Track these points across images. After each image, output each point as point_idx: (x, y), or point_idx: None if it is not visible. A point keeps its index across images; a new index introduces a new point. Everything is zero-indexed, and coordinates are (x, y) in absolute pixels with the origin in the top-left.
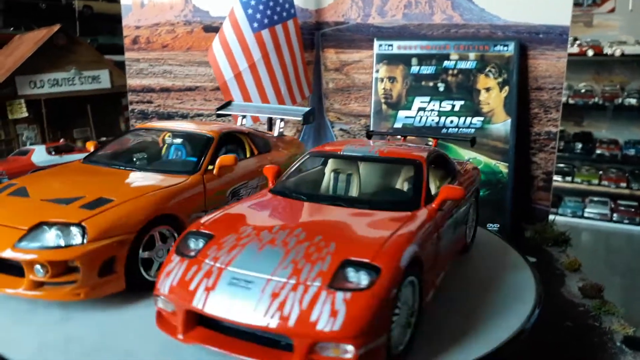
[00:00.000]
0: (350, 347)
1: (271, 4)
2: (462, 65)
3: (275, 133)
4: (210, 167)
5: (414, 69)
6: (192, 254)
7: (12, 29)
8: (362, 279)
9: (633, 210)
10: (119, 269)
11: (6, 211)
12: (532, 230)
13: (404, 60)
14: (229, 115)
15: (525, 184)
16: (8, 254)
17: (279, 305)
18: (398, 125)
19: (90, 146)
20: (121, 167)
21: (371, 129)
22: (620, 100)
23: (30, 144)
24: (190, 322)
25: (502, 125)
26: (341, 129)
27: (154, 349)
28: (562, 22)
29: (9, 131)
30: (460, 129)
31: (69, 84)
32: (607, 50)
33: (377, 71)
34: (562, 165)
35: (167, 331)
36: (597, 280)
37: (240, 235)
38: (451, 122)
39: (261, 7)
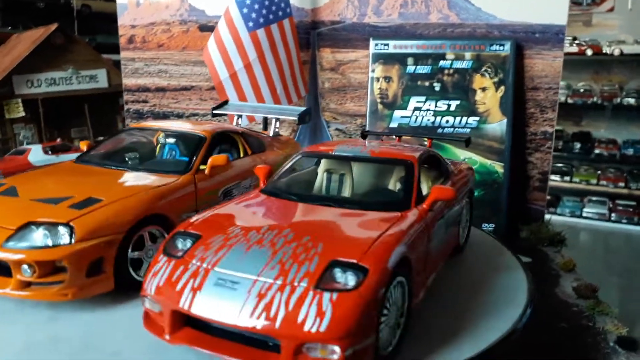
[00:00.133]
0: (336, 348)
1: (267, 3)
2: (458, 64)
3: (271, 133)
4: (202, 167)
5: (410, 68)
6: (179, 254)
7: (10, 27)
8: (349, 279)
9: (631, 210)
10: (108, 269)
11: None
12: (527, 231)
13: (399, 59)
14: (225, 114)
15: (521, 184)
16: None
17: (265, 306)
18: (394, 125)
19: (84, 146)
20: (112, 167)
21: (367, 128)
22: (619, 99)
23: (27, 144)
24: (177, 323)
25: (497, 125)
26: (337, 129)
27: (141, 349)
28: (559, 21)
29: (6, 131)
30: (456, 129)
31: (67, 83)
32: (606, 50)
33: (373, 71)
34: (560, 165)
35: (154, 332)
36: (594, 280)
37: (228, 236)
38: (447, 122)
39: (256, 6)
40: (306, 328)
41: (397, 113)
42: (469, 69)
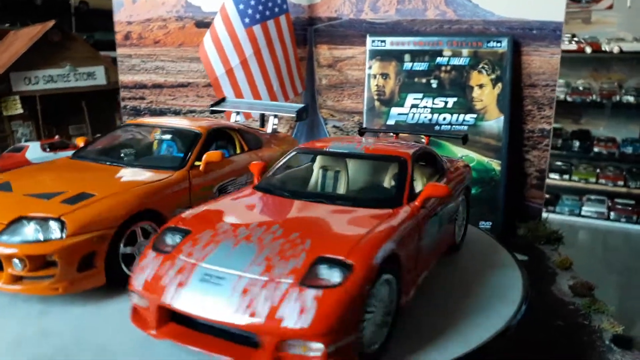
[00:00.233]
0: (318, 345)
1: None
2: (455, 61)
3: (269, 130)
4: (197, 163)
5: (407, 65)
6: (168, 249)
7: (7, 24)
8: (334, 275)
9: (630, 208)
10: (99, 264)
11: None
12: (524, 228)
13: (396, 56)
14: (223, 111)
15: (518, 182)
16: None
17: (249, 302)
18: (391, 122)
19: (80, 142)
20: (107, 163)
21: (364, 126)
22: (618, 97)
23: (25, 141)
24: (163, 318)
25: (494, 122)
26: (334, 126)
27: (129, 344)
28: (556, 18)
29: (4, 128)
30: (453, 126)
31: (64, 80)
32: (605, 47)
33: (370, 67)
34: (559, 163)
35: (141, 327)
36: (592, 278)
37: (217, 232)
38: (444, 119)
39: (253, 2)
40: (288, 324)
41: (394, 110)
42: (466, 65)
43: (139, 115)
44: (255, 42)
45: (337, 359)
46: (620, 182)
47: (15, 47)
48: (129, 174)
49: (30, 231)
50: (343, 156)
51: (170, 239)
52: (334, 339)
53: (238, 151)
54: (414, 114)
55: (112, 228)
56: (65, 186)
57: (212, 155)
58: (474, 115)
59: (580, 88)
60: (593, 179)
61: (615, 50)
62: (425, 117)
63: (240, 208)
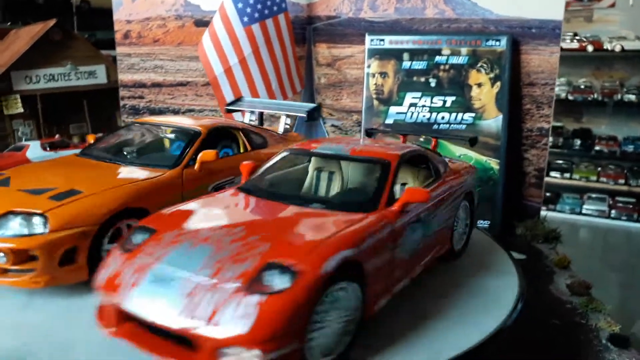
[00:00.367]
0: (257, 352)
1: None
2: (454, 60)
3: (280, 129)
4: None
5: (406, 64)
6: (132, 248)
7: (9, 23)
8: (280, 282)
9: (631, 207)
10: (81, 260)
11: None
12: (522, 227)
13: (395, 55)
14: (239, 110)
15: (517, 181)
16: None
17: (192, 305)
18: (389, 121)
19: (91, 139)
20: (107, 161)
21: (362, 125)
22: (619, 96)
23: (26, 140)
24: (122, 317)
25: (493, 121)
26: (333, 125)
27: (95, 341)
28: (555, 16)
29: (5, 127)
30: (452, 125)
31: (65, 79)
32: (607, 46)
33: (369, 66)
34: (560, 161)
35: (104, 324)
36: (590, 277)
37: (181, 232)
38: (442, 118)
39: (252, 1)
40: (226, 330)
41: (393, 109)
42: (465, 64)
43: (138, 115)
44: (254, 40)
45: None
46: (622, 181)
47: (17, 46)
48: (124, 172)
49: (15, 225)
50: (329, 157)
51: (136, 238)
52: (274, 346)
53: (241, 150)
54: (413, 112)
55: (95, 225)
56: (59, 183)
57: (206, 154)
58: (473, 114)
59: (582, 86)
60: (594, 178)
61: (617, 48)
62: (424, 116)
63: (212, 208)
